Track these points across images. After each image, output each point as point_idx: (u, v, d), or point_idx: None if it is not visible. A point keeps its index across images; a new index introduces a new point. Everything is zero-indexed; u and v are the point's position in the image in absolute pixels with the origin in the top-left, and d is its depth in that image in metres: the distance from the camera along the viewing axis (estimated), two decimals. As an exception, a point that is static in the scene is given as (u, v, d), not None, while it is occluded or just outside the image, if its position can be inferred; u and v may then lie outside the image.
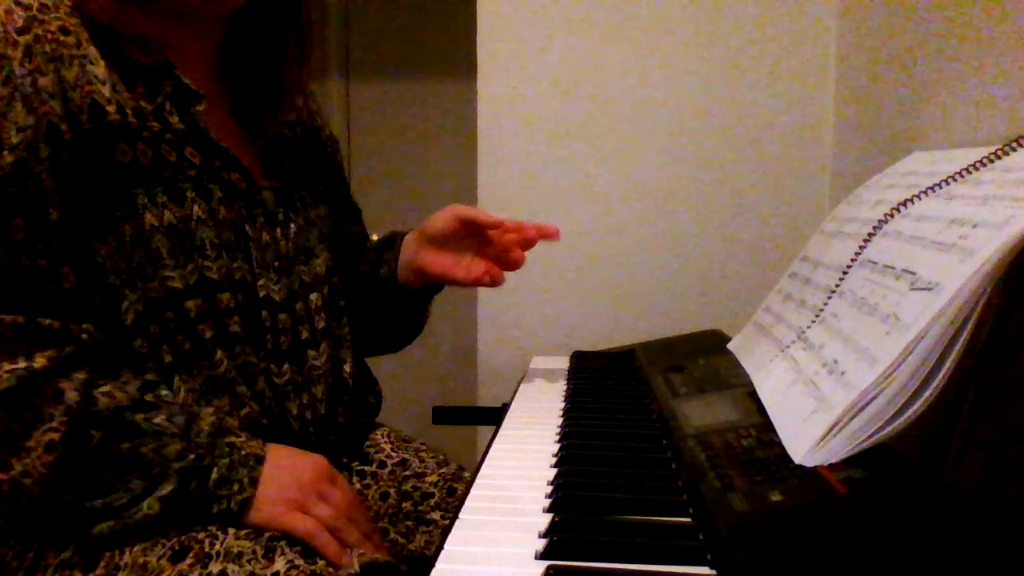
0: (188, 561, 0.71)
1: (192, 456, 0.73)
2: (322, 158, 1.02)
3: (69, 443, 0.69)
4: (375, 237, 1.11)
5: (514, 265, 1.02)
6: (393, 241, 1.07)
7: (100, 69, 0.74)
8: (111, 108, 0.74)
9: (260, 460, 0.76)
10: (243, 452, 0.76)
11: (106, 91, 0.74)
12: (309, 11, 0.92)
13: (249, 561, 0.71)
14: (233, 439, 0.76)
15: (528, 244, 1.02)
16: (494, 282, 1.02)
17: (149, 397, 0.74)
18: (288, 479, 0.78)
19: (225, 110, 0.89)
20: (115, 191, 0.74)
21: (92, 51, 0.74)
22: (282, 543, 0.74)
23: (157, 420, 0.73)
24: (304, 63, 0.92)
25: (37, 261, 0.71)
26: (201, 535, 0.73)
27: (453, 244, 1.02)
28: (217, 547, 0.72)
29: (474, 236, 1.02)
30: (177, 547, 0.72)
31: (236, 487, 0.74)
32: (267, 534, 0.74)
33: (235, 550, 0.72)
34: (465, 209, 1.01)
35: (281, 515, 0.76)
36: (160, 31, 0.78)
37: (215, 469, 0.74)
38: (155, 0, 0.78)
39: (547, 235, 1.03)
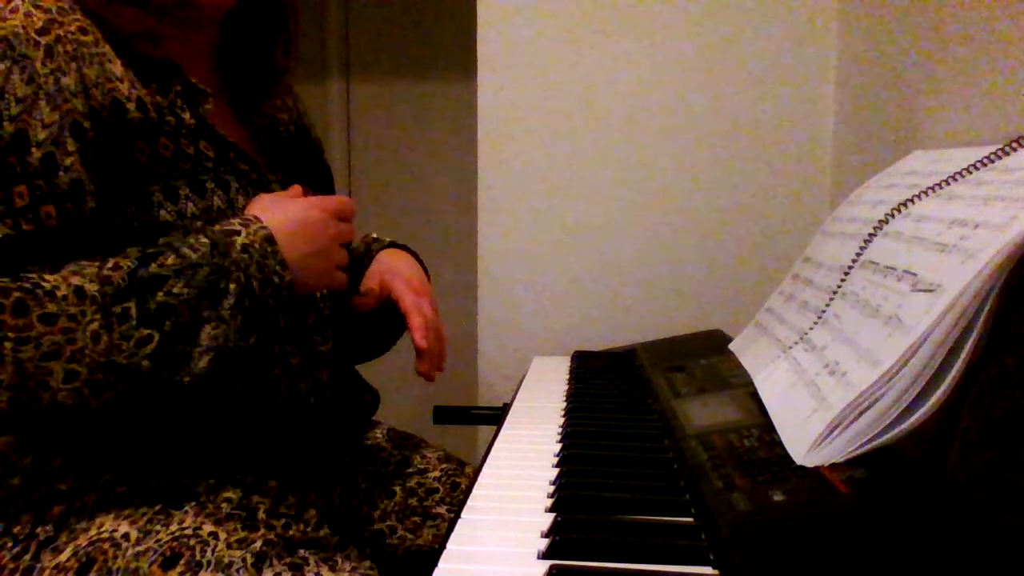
0: (179, 569, 0.72)
1: (229, 284, 0.73)
2: (313, 156, 1.04)
3: (112, 326, 0.68)
4: (374, 235, 1.12)
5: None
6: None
7: (117, 67, 0.76)
8: (131, 106, 0.75)
9: (272, 240, 0.77)
10: (256, 245, 0.76)
11: (124, 88, 0.75)
12: (296, 13, 0.95)
13: (239, 570, 0.72)
14: (238, 240, 0.75)
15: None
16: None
17: (149, 250, 0.74)
18: (303, 234, 0.80)
19: (228, 110, 0.91)
20: (129, 188, 0.75)
21: (108, 49, 0.76)
22: (272, 554, 0.74)
23: (169, 261, 0.72)
24: (289, 61, 0.96)
25: (68, 247, 0.72)
26: (192, 542, 0.73)
27: None
28: (208, 555, 0.73)
29: None
30: (168, 553, 0.72)
31: (276, 279, 0.76)
32: (258, 543, 0.75)
33: (226, 559, 0.73)
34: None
35: (323, 276, 0.82)
36: (159, 29, 0.80)
37: (252, 281, 0.75)
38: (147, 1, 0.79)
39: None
